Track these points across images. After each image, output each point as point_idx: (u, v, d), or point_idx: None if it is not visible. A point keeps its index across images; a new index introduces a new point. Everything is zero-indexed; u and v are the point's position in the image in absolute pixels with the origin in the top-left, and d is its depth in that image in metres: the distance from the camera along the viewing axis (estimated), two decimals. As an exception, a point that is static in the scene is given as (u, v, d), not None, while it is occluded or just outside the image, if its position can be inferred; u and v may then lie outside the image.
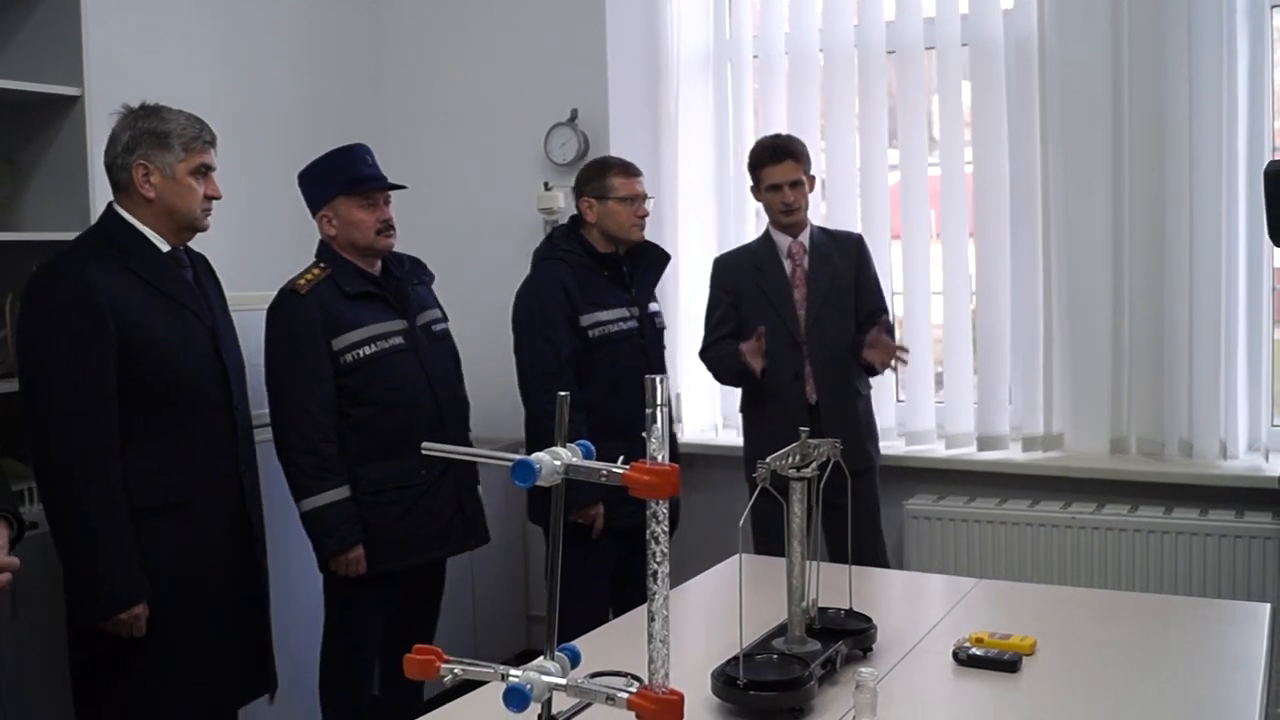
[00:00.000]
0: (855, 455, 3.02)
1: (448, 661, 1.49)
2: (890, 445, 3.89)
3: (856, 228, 4.00)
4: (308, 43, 4.30)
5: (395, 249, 3.15)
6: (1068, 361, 3.87)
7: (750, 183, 3.60)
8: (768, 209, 3.57)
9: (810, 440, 2.14)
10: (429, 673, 1.50)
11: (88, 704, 2.57)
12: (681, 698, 1.36)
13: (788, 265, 3.54)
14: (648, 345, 3.50)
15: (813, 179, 3.59)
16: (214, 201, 2.67)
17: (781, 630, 2.10)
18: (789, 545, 2.07)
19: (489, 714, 1.68)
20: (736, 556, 2.45)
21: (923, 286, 4.03)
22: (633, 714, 1.37)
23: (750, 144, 4.04)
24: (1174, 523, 3.53)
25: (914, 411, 4.05)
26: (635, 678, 1.47)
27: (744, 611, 1.91)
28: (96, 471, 2.42)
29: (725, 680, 1.88)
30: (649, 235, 3.58)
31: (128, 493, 2.46)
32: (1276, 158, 3.29)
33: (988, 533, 3.75)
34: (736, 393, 4.28)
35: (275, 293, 3.05)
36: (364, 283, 3.06)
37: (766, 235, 3.62)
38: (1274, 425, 3.74)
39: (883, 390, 3.87)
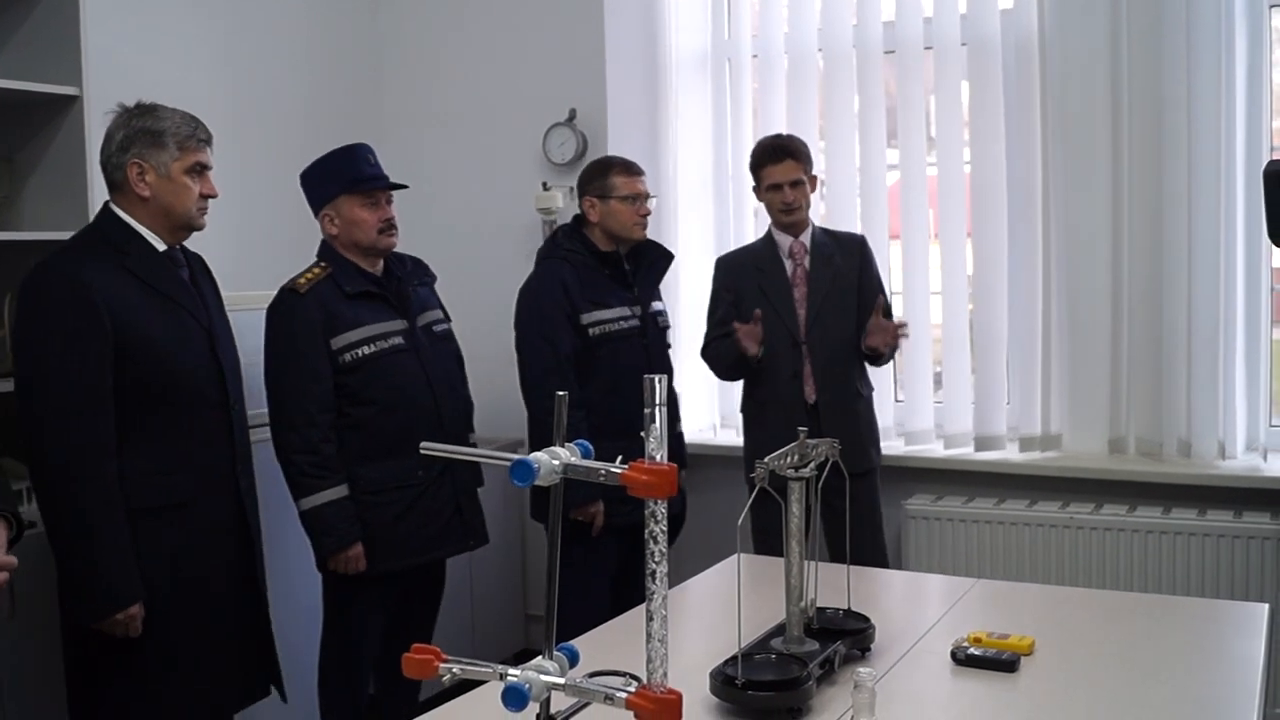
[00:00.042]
0: (855, 457, 3.01)
1: (446, 661, 1.49)
2: (889, 445, 3.89)
3: (855, 228, 4.00)
4: (307, 43, 4.30)
5: (395, 249, 3.15)
6: (1066, 361, 3.88)
7: (752, 183, 3.60)
8: (769, 209, 3.57)
9: (808, 440, 2.14)
10: (428, 672, 1.50)
11: (84, 704, 2.57)
12: (680, 697, 1.36)
13: (789, 265, 3.55)
14: (650, 344, 3.51)
15: (814, 179, 3.59)
16: (211, 201, 2.67)
17: (780, 630, 2.10)
18: (787, 545, 2.07)
19: (487, 714, 1.68)
20: (735, 556, 2.45)
21: (922, 286, 4.03)
22: (631, 713, 1.37)
23: (749, 144, 4.04)
24: (1172, 523, 3.53)
25: (912, 411, 4.05)
26: (634, 677, 1.48)
27: (743, 611, 1.91)
28: (93, 471, 2.42)
29: (724, 680, 1.88)
30: (649, 235, 3.58)
31: (124, 493, 2.46)
32: (1275, 158, 3.30)
33: (986, 533, 3.75)
34: (735, 393, 4.28)
35: (275, 292, 3.05)
36: (364, 282, 3.06)
37: (768, 235, 3.62)
38: (1272, 425, 3.74)
39: (882, 390, 3.87)
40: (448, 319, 3.31)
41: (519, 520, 4.39)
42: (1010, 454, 3.92)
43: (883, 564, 3.51)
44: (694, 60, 4.40)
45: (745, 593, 1.92)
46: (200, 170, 2.62)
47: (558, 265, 3.45)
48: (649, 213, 3.52)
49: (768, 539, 3.25)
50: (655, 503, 1.36)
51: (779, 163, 3.48)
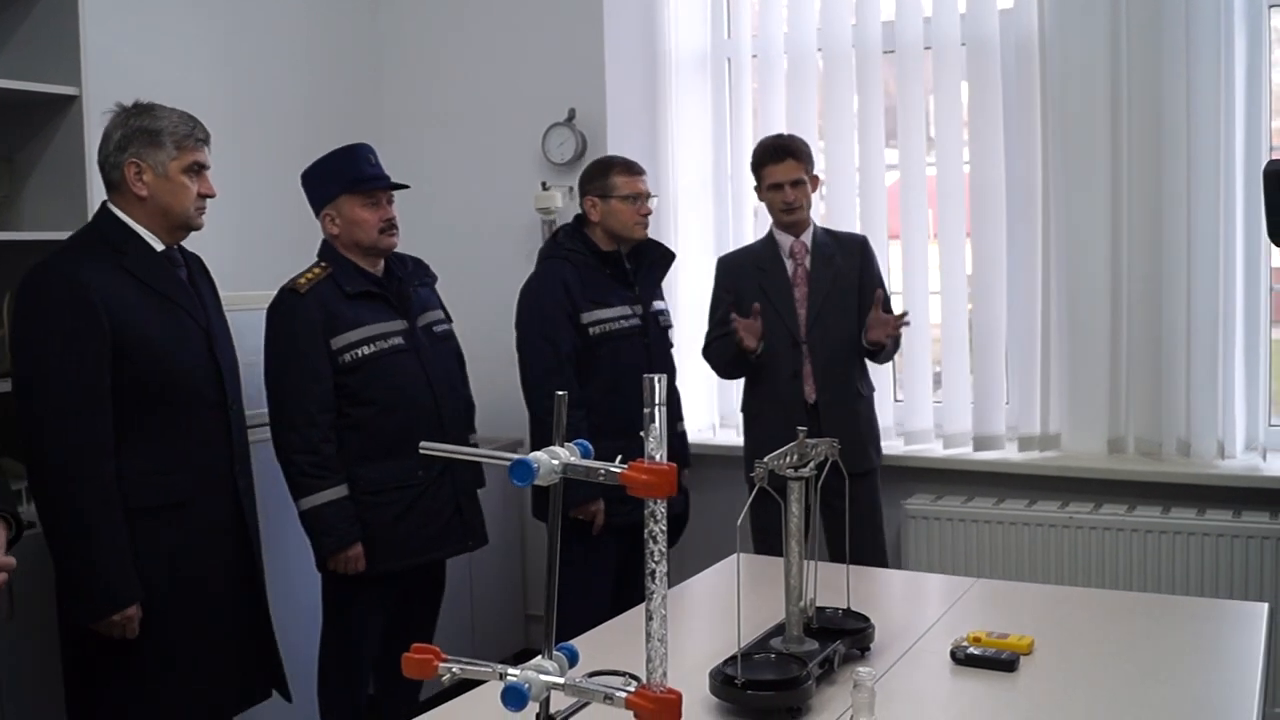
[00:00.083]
0: (855, 457, 3.01)
1: (446, 661, 1.49)
2: (888, 445, 3.89)
3: (854, 228, 4.00)
4: (306, 43, 4.30)
5: (396, 249, 3.15)
6: (1065, 361, 3.88)
7: (752, 183, 3.61)
8: (770, 208, 3.57)
9: (808, 440, 2.14)
10: (427, 672, 1.50)
11: (82, 705, 2.56)
12: (679, 697, 1.36)
13: (789, 265, 3.55)
14: (651, 343, 3.51)
15: (816, 179, 3.59)
16: (210, 200, 2.67)
17: (779, 630, 2.10)
18: (786, 545, 2.07)
19: (487, 713, 1.68)
20: (735, 556, 2.46)
21: (921, 286, 4.03)
22: (631, 713, 1.37)
23: (748, 144, 4.04)
24: (1171, 522, 3.53)
25: (912, 411, 4.05)
26: (633, 677, 1.48)
27: (742, 611, 1.91)
28: (91, 470, 2.42)
29: (723, 680, 1.88)
30: (650, 234, 3.58)
31: (122, 493, 2.46)
32: (1275, 157, 3.30)
33: (985, 532, 3.75)
34: (734, 392, 4.29)
35: (274, 292, 3.05)
36: (365, 282, 3.06)
37: (770, 235, 3.62)
38: (1271, 425, 3.74)
39: (881, 390, 3.87)
40: (449, 319, 3.31)
41: (518, 520, 4.39)
42: (1009, 454, 3.92)
43: (882, 564, 3.51)
44: (693, 60, 4.40)
45: (745, 592, 1.92)
46: (198, 170, 2.61)
47: (559, 265, 3.46)
48: (650, 212, 3.52)
49: (768, 539, 3.25)
50: (655, 502, 1.36)
51: (780, 162, 3.48)
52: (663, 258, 3.63)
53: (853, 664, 2.00)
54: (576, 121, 4.30)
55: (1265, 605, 2.38)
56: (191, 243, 2.74)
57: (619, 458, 1.40)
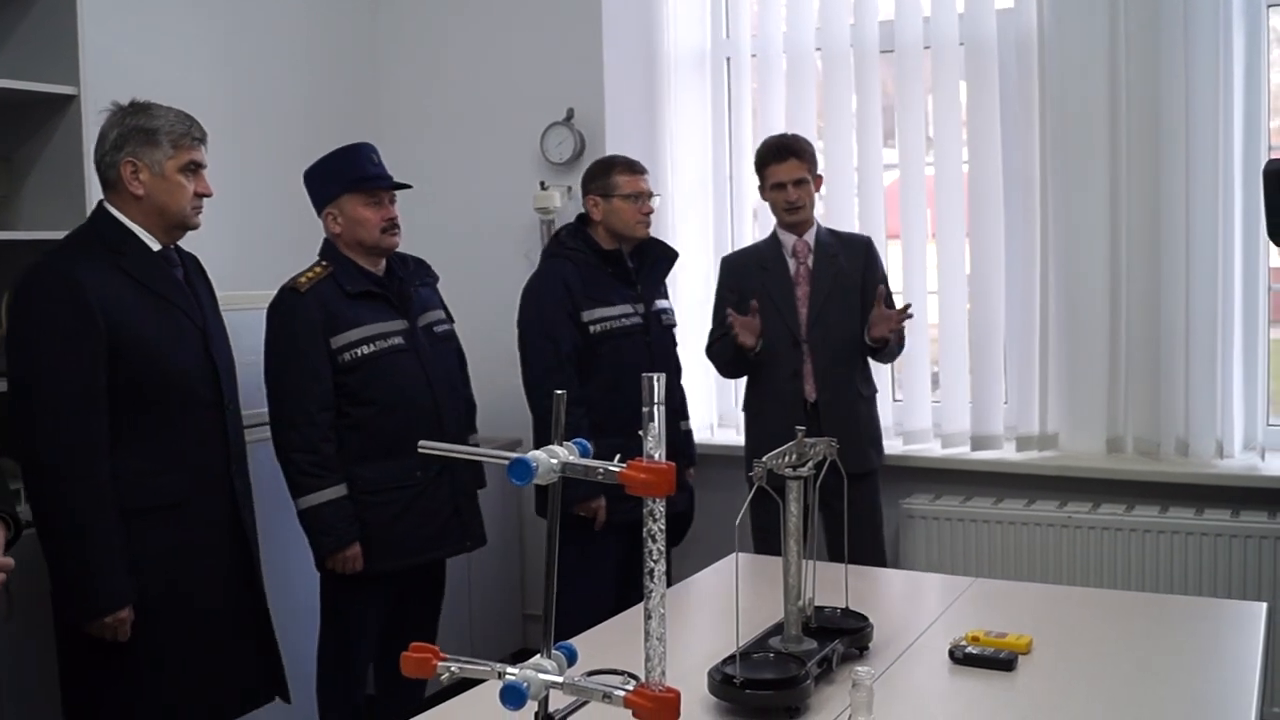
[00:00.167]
0: (854, 457, 3.01)
1: (444, 660, 1.49)
2: (887, 445, 3.88)
3: (853, 227, 4.00)
4: (305, 43, 4.30)
5: (397, 248, 3.15)
6: (1064, 361, 3.88)
7: (752, 182, 3.61)
8: (773, 208, 3.58)
9: (806, 439, 2.14)
10: (426, 671, 1.50)
11: (79, 705, 2.56)
12: (678, 696, 1.36)
13: (792, 264, 3.55)
14: (653, 342, 3.52)
15: (819, 178, 3.60)
16: (210, 200, 2.66)
17: (778, 629, 2.10)
18: (785, 544, 2.08)
19: (486, 712, 1.69)
20: (734, 555, 2.46)
21: (920, 286, 4.03)
22: (629, 712, 1.37)
23: (747, 143, 4.04)
24: (1170, 522, 3.53)
25: (910, 411, 4.06)
26: (632, 676, 1.48)
27: (742, 610, 1.91)
28: (85, 470, 2.41)
29: (722, 679, 1.88)
30: (652, 233, 3.59)
31: (117, 493, 2.45)
32: (1274, 157, 3.30)
33: (984, 532, 3.75)
34: (732, 392, 4.30)
35: (274, 292, 3.05)
36: (366, 282, 3.06)
37: (773, 234, 3.63)
38: (1270, 424, 3.75)
39: (880, 390, 3.86)
40: (450, 319, 3.32)
41: (517, 520, 4.40)
42: (1008, 453, 3.92)
43: (881, 565, 3.51)
44: (692, 59, 4.40)
45: (744, 592, 1.93)
46: (195, 169, 2.60)
47: (560, 264, 3.47)
48: (652, 211, 3.53)
49: (768, 538, 3.25)
50: (654, 501, 1.36)
51: (783, 161, 3.49)
52: (665, 256, 3.64)
53: (851, 663, 2.00)
54: (575, 121, 4.30)
55: (1264, 605, 2.38)
56: (191, 242, 2.73)
57: (617, 456, 1.40)
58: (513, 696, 1.40)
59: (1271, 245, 3.15)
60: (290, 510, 2.98)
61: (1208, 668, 2.10)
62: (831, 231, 3.65)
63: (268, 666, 2.78)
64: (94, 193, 2.77)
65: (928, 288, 4.04)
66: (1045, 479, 3.82)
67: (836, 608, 2.21)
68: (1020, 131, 3.86)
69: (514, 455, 1.39)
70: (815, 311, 3.50)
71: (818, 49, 4.15)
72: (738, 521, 1.94)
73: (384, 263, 3.14)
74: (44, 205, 2.98)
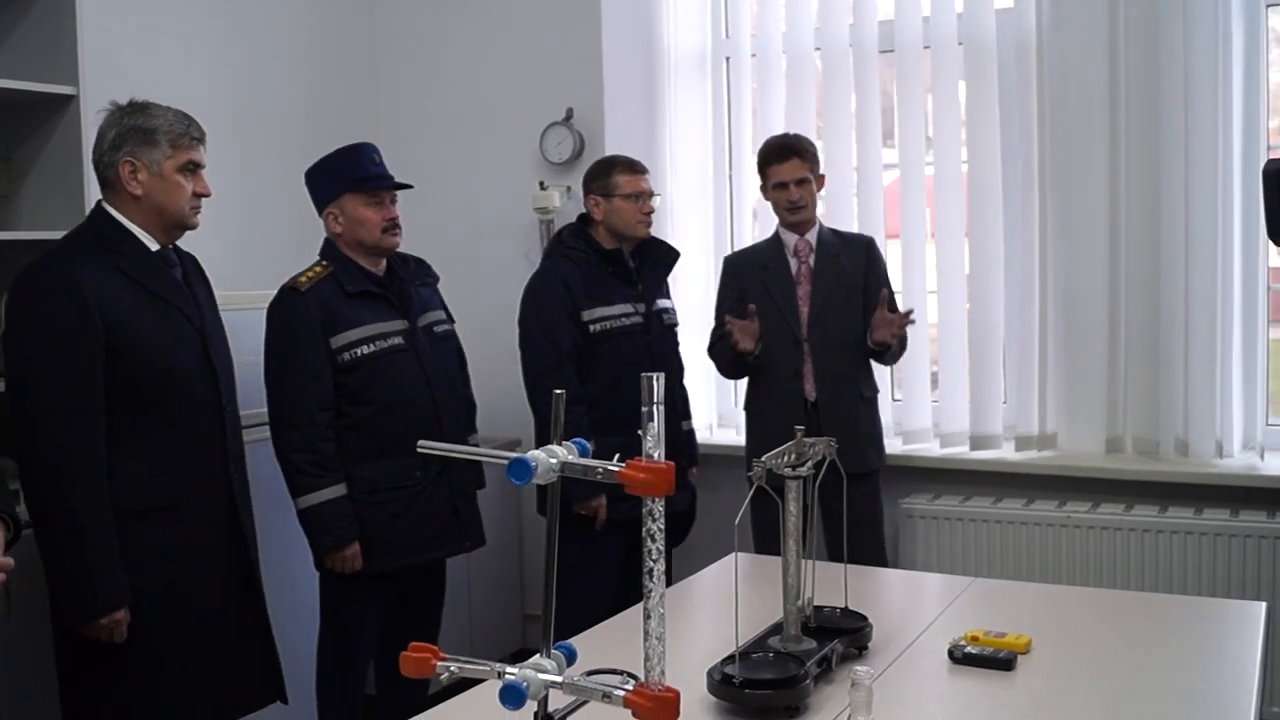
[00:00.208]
0: (853, 458, 3.01)
1: (444, 659, 1.49)
2: (886, 445, 3.89)
3: (852, 227, 4.01)
4: (305, 43, 4.30)
5: (398, 248, 3.16)
6: (1063, 360, 3.88)
7: (750, 182, 3.61)
8: (774, 207, 3.58)
9: (805, 439, 2.14)
10: (425, 670, 1.50)
11: (77, 706, 2.55)
12: (677, 695, 1.36)
13: (793, 263, 3.55)
14: (653, 341, 3.52)
15: (821, 178, 3.60)
16: (209, 200, 2.66)
17: (778, 629, 2.10)
18: (784, 544, 2.08)
19: (485, 712, 1.69)
20: (733, 555, 2.46)
21: (919, 286, 4.03)
22: (629, 712, 1.37)
23: (746, 143, 4.03)
24: (1169, 521, 3.53)
25: (909, 411, 4.06)
26: (631, 675, 1.48)
27: (741, 610, 1.91)
28: (84, 470, 2.41)
29: (721, 678, 1.88)
30: (653, 233, 3.59)
31: (115, 494, 2.44)
32: (1273, 156, 3.30)
33: (983, 531, 3.75)
34: (731, 392, 4.30)
35: (274, 292, 3.05)
36: (366, 282, 3.06)
37: (775, 234, 3.63)
38: (1269, 424, 3.75)
39: (880, 389, 3.86)
40: (450, 320, 3.32)
41: (516, 520, 4.40)
42: (1007, 453, 3.92)
43: (882, 566, 3.51)
44: (691, 59, 4.40)
45: (744, 591, 1.92)
46: (193, 168, 2.60)
47: (560, 264, 3.47)
48: (652, 210, 3.53)
49: (768, 538, 3.25)
50: (653, 501, 1.36)
51: (785, 161, 3.49)
52: (667, 256, 3.64)
53: (850, 663, 2.00)
54: (574, 121, 4.30)
55: (1263, 604, 2.38)
56: (190, 242, 2.73)
57: (617, 456, 1.40)
58: (512, 696, 1.40)
59: (1271, 245, 3.15)
60: (289, 510, 2.98)
61: (1207, 667, 2.10)
62: (834, 231, 3.66)
63: (266, 668, 2.77)
64: (93, 193, 2.76)
65: (927, 287, 4.04)
66: (1044, 479, 3.82)
67: (836, 607, 2.21)
68: (1019, 131, 3.86)
69: (513, 455, 1.39)
70: (816, 311, 3.50)
71: (817, 49, 4.16)
72: (737, 521, 1.94)
73: (385, 263, 3.14)
74: (43, 205, 2.98)
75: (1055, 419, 3.90)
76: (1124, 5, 3.67)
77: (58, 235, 2.68)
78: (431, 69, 4.56)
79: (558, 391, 1.47)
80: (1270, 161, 2.72)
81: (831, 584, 2.26)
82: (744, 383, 3.72)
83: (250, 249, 3.83)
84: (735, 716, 1.87)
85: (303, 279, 3.02)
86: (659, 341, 3.55)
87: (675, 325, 3.69)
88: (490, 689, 1.45)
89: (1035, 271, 3.86)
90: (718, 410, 4.41)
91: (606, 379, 3.39)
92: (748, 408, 3.68)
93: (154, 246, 2.58)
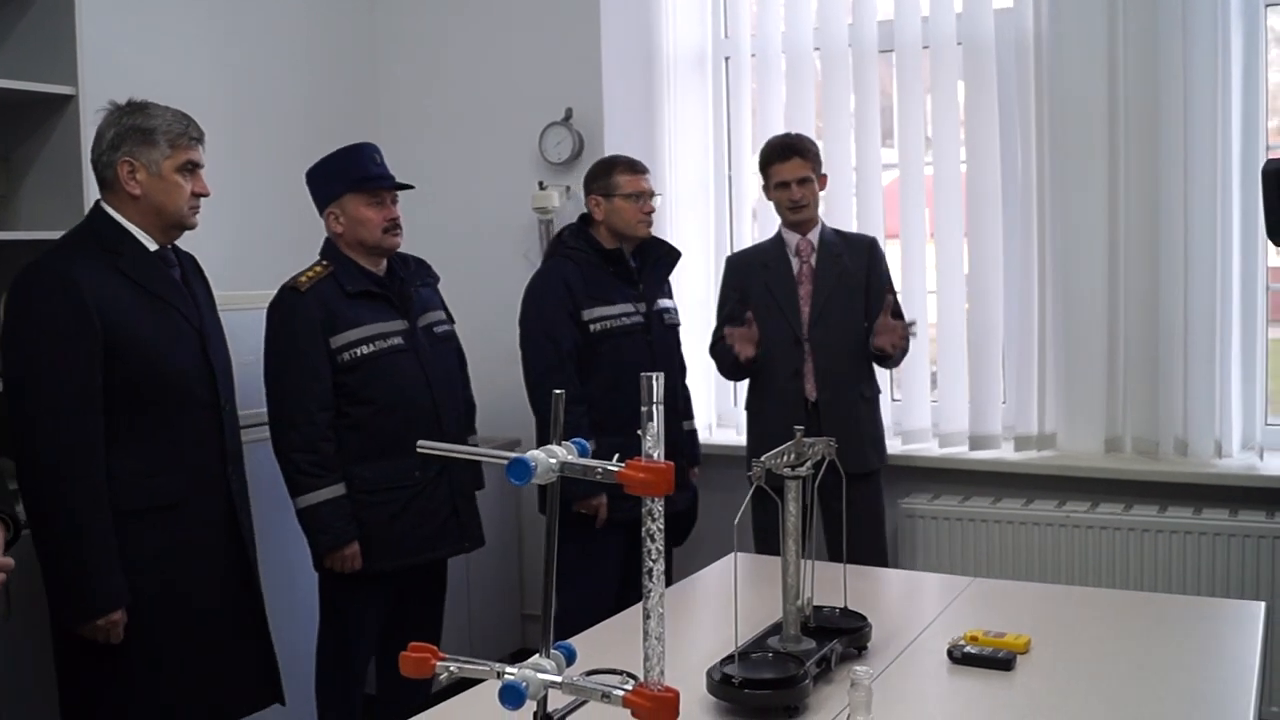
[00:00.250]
0: (853, 458, 3.01)
1: (443, 659, 1.49)
2: (886, 444, 3.89)
3: (851, 227, 4.00)
4: (305, 43, 4.29)
5: (399, 248, 3.16)
6: (1062, 360, 3.88)
7: (746, 181, 3.61)
8: (777, 206, 3.58)
9: (805, 439, 2.14)
10: (424, 670, 1.50)
11: (75, 706, 2.55)
12: (677, 695, 1.36)
13: (795, 263, 3.55)
14: (654, 341, 3.52)
15: (824, 178, 3.60)
16: (209, 200, 2.66)
17: (777, 629, 2.10)
18: (784, 544, 2.08)
19: (485, 712, 1.69)
20: (732, 555, 2.46)
21: (918, 286, 4.03)
22: (628, 711, 1.37)
23: (746, 143, 4.03)
24: (1168, 521, 3.54)
25: (908, 411, 4.06)
26: (631, 675, 1.48)
27: (741, 610, 1.91)
28: (82, 470, 2.41)
29: (720, 678, 1.88)
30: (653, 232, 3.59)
31: (113, 494, 2.44)
32: (1272, 156, 3.30)
33: (982, 531, 3.75)
34: (729, 392, 4.30)
35: (273, 292, 3.05)
36: (366, 282, 3.06)
37: (778, 234, 3.63)
38: (1268, 424, 3.75)
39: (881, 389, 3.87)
40: (450, 320, 3.32)
41: (516, 520, 4.40)
42: (1006, 453, 3.93)
43: (883, 567, 3.51)
44: (691, 59, 4.40)
45: (744, 591, 1.93)
46: (192, 168, 2.60)
47: (561, 264, 3.48)
48: (653, 210, 3.53)
49: (769, 538, 3.25)
50: (652, 501, 1.36)
51: (787, 160, 3.50)
52: (668, 255, 3.65)
53: (850, 663, 2.00)
54: (573, 121, 4.30)
55: (1262, 604, 2.38)
56: (190, 242, 2.73)
57: (616, 456, 1.40)
58: (511, 696, 1.40)
59: (1270, 245, 3.15)
60: (288, 510, 2.98)
61: (1206, 667, 2.10)
62: (837, 231, 3.66)
63: (264, 669, 2.77)
64: (92, 193, 2.77)
65: (926, 287, 4.04)
66: (1043, 479, 3.82)
67: (835, 607, 2.21)
68: (1018, 131, 3.86)
69: (513, 455, 1.39)
70: (817, 311, 3.51)
71: (816, 49, 4.16)
72: (736, 521, 1.94)
73: (385, 263, 3.14)
74: (42, 205, 2.98)
75: (1054, 419, 3.90)
76: (1123, 4, 3.67)
77: (57, 235, 2.67)
78: (431, 69, 4.56)
79: (557, 391, 1.47)
80: (1269, 161, 2.72)
81: (831, 584, 2.26)
82: (744, 382, 3.72)
83: (250, 249, 3.83)
84: (734, 716, 1.87)
85: (303, 279, 3.02)
86: (660, 341, 3.55)
87: (677, 325, 3.69)
88: (489, 689, 1.45)
89: (1034, 271, 3.86)
90: (717, 410, 4.41)
91: (607, 379, 3.39)
92: (748, 407, 3.68)
93: (152, 246, 2.58)
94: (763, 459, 2.01)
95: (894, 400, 4.14)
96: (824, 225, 3.61)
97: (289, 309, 2.99)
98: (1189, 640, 2.22)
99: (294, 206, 3.26)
